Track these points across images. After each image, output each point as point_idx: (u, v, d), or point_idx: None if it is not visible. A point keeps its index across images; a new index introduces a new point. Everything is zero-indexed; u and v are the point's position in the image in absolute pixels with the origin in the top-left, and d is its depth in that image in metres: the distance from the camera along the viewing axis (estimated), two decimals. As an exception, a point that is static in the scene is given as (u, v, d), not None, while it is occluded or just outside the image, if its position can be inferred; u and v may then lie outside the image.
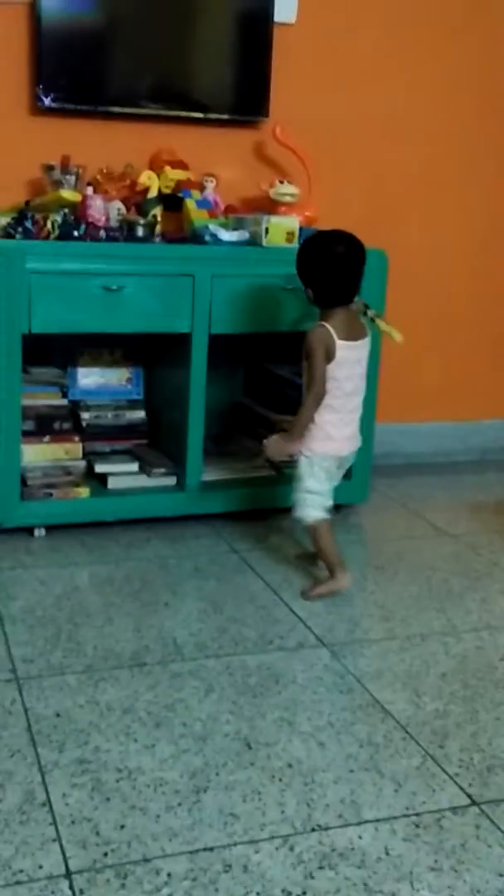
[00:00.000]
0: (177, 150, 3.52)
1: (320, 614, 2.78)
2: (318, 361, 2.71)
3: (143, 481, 3.32)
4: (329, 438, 2.81)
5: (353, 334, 2.77)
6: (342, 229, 2.79)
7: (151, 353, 3.50)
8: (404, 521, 3.60)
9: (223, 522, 3.38)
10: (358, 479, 3.49)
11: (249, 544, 3.24)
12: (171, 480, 3.34)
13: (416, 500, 3.80)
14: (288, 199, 3.47)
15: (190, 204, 3.34)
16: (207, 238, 3.21)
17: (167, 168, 3.41)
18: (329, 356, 2.72)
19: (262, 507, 3.36)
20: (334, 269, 2.73)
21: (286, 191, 3.46)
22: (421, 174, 4.02)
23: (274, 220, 3.23)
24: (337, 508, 3.30)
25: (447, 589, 3.01)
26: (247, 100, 3.62)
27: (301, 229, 3.25)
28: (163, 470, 3.34)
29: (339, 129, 3.85)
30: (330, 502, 2.90)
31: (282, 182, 3.48)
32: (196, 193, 3.39)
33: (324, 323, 2.74)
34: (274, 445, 2.82)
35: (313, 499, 2.86)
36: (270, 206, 3.48)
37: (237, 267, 3.04)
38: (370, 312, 2.93)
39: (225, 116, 3.61)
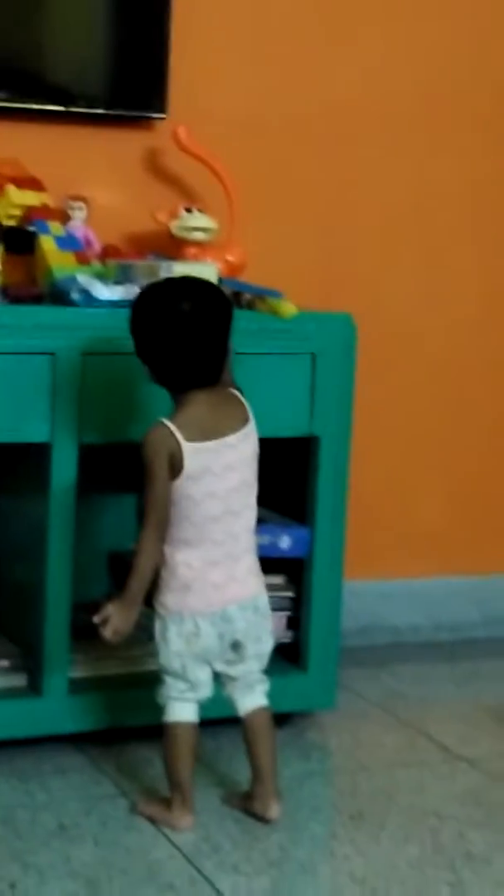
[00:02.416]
0: (25, 160, 3.54)
1: (263, 894, 2.77)
2: (157, 478, 2.88)
3: (-27, 680, 3.38)
4: (187, 588, 2.92)
5: (218, 429, 2.91)
6: (190, 276, 2.96)
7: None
8: (394, 737, 3.60)
9: (104, 747, 3.36)
10: (317, 671, 3.49)
11: (147, 782, 3.20)
12: (21, 680, 3.34)
13: (410, 704, 3.82)
14: (199, 235, 3.53)
15: (47, 243, 3.39)
16: (75, 296, 3.26)
17: (10, 188, 3.46)
18: (175, 467, 2.86)
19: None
20: (180, 337, 2.85)
21: (197, 223, 3.53)
22: (409, 200, 4.07)
23: (178, 267, 3.27)
24: (283, 720, 3.38)
25: (465, 849, 2.99)
26: (133, 86, 3.69)
27: (221, 281, 3.28)
28: (5, 663, 3.35)
29: (276, 132, 3.89)
30: (202, 693, 2.99)
31: (189, 210, 3.55)
32: (57, 227, 3.44)
33: (164, 420, 2.89)
34: (113, 618, 2.90)
35: (172, 684, 2.98)
36: (173, 246, 3.56)
37: (121, 341, 3.03)
38: (244, 298, 3.17)
39: (100, 111, 3.68)
